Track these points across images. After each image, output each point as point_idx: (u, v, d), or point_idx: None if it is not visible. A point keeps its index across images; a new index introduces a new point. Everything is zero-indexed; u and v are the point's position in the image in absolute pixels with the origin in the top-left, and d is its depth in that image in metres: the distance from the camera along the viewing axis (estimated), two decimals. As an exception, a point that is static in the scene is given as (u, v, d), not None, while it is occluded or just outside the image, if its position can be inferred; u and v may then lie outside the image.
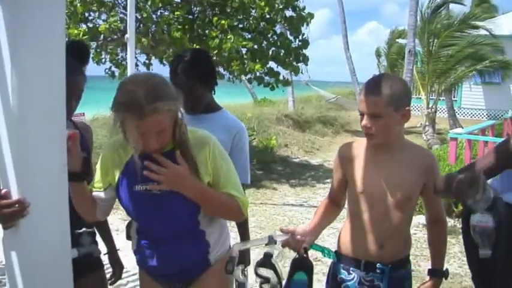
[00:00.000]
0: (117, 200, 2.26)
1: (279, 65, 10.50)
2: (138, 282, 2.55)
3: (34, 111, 1.63)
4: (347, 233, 2.53)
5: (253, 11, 10.23)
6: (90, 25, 10.05)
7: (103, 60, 10.91)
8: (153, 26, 9.85)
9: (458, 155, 9.38)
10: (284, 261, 2.38)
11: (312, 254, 2.53)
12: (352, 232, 2.50)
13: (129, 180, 2.16)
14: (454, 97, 20.96)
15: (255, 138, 12.97)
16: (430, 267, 2.56)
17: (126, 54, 7.73)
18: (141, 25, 9.71)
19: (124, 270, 2.93)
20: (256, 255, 2.38)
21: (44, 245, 1.72)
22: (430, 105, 16.29)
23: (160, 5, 9.67)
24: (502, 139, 2.76)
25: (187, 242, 2.22)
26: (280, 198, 9.05)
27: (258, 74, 10.30)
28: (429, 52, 16.09)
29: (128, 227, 2.67)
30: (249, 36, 10.15)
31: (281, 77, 10.75)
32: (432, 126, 15.92)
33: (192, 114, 2.76)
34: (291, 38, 10.67)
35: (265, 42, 10.30)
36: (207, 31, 9.86)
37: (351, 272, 2.47)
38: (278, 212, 8.05)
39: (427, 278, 2.55)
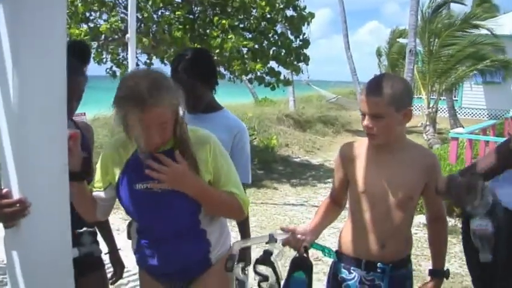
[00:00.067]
0: (117, 199, 2.25)
1: (279, 64, 10.51)
2: (138, 282, 2.55)
3: (35, 111, 1.62)
4: (348, 232, 2.53)
5: (254, 10, 10.24)
6: (91, 25, 10.06)
7: (104, 60, 10.92)
8: (154, 25, 9.86)
9: (459, 154, 9.38)
10: (284, 261, 2.38)
11: (313, 253, 2.53)
12: (353, 231, 2.50)
13: (129, 178, 2.16)
14: (454, 97, 20.95)
15: (255, 138, 12.97)
16: (430, 267, 2.56)
17: (127, 54, 7.73)
18: (142, 25, 9.71)
19: (125, 269, 2.94)
20: (256, 254, 2.38)
21: (44, 244, 1.72)
22: (430, 105, 16.28)
23: (161, 4, 9.67)
24: (503, 139, 2.77)
25: (188, 241, 2.22)
26: (281, 198, 9.05)
27: (258, 73, 10.31)
28: (430, 52, 16.08)
29: (129, 226, 2.68)
30: (250, 36, 10.15)
31: (282, 77, 10.74)
32: (433, 126, 15.91)
33: (193, 114, 2.77)
34: (292, 37, 10.68)
35: (266, 42, 10.31)
36: (207, 31, 9.87)
37: (352, 271, 2.47)
38: (279, 212, 8.05)
39: (428, 277, 2.56)
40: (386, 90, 2.27)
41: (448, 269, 2.54)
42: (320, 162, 12.86)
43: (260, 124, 15.25)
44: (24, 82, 1.59)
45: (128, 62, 7.33)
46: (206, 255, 2.28)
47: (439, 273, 2.52)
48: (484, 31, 16.23)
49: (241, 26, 10.25)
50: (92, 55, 9.25)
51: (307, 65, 11.02)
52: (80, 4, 9.60)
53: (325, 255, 2.60)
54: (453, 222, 6.46)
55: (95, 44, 10.12)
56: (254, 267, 2.28)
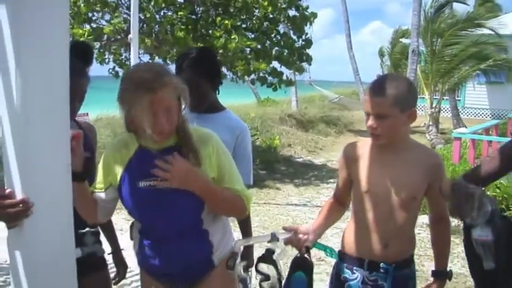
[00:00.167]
0: (120, 199, 2.25)
1: (282, 64, 10.51)
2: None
3: (38, 111, 1.63)
4: (351, 232, 2.53)
5: (257, 10, 10.25)
6: (94, 25, 10.07)
7: (106, 60, 10.94)
8: (157, 26, 9.86)
9: (462, 154, 9.37)
10: (286, 260, 2.38)
11: (315, 253, 2.53)
12: (356, 231, 2.50)
13: (132, 176, 2.16)
14: (457, 97, 20.92)
15: (258, 138, 12.97)
16: (433, 268, 2.56)
17: (129, 54, 7.73)
18: (145, 25, 9.72)
19: (128, 270, 2.94)
20: (259, 254, 2.38)
21: (47, 244, 1.72)
22: (433, 105, 16.28)
23: (163, 5, 9.68)
24: (506, 139, 2.78)
25: (190, 240, 2.21)
26: (283, 198, 9.05)
27: (261, 74, 10.31)
28: (433, 52, 16.07)
29: (132, 227, 2.68)
30: (252, 36, 10.15)
31: (284, 77, 10.74)
32: (436, 126, 15.91)
33: (195, 113, 2.77)
34: (294, 37, 10.68)
35: (268, 42, 10.31)
36: (210, 31, 9.87)
37: (355, 271, 2.47)
38: (281, 212, 8.05)
39: (431, 278, 2.55)
40: (391, 90, 2.27)
41: (451, 270, 2.53)
42: (322, 163, 12.86)
43: (262, 124, 15.25)
44: (27, 82, 1.59)
45: (130, 63, 7.34)
46: (209, 256, 2.27)
47: (442, 274, 2.51)
48: (486, 31, 16.21)
49: (244, 26, 10.26)
50: (95, 55, 9.28)
51: (310, 65, 11.04)
52: (82, 4, 9.61)
53: (327, 255, 2.60)
54: (456, 222, 6.43)
55: (97, 45, 10.14)
56: (256, 266, 2.29)
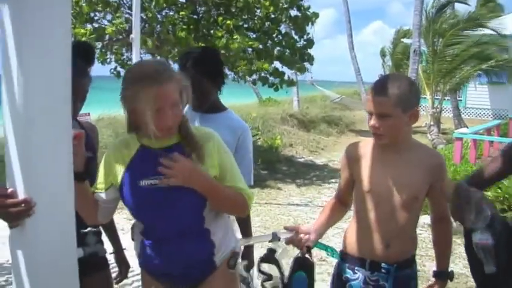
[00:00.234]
0: (121, 199, 2.25)
1: (283, 64, 10.50)
2: (142, 282, 2.55)
3: (40, 111, 1.63)
4: (353, 232, 2.53)
5: (258, 10, 10.25)
6: (96, 25, 10.07)
7: (108, 60, 10.95)
8: (158, 26, 9.86)
9: (463, 154, 9.37)
10: (288, 259, 2.38)
11: (317, 253, 2.54)
12: (358, 231, 2.50)
13: (134, 176, 2.15)
14: (459, 97, 20.90)
15: (259, 138, 12.97)
16: (435, 269, 2.55)
17: (131, 54, 7.74)
18: (146, 25, 9.72)
19: (130, 269, 2.94)
20: (260, 253, 2.38)
21: (49, 244, 1.72)
22: (435, 105, 16.26)
23: (164, 5, 9.68)
24: (508, 139, 2.78)
25: (191, 240, 2.21)
26: (285, 198, 9.04)
27: (262, 74, 10.32)
28: (434, 52, 16.06)
29: (133, 228, 2.68)
30: (254, 36, 10.15)
31: (286, 77, 10.73)
32: (437, 126, 15.90)
33: (198, 112, 2.78)
34: (296, 37, 10.67)
35: (270, 42, 10.30)
36: (212, 31, 9.87)
37: (356, 271, 2.47)
38: (283, 212, 8.05)
39: (432, 278, 2.55)
40: (393, 90, 2.27)
41: (452, 271, 2.53)
42: (324, 163, 12.86)
43: (264, 124, 15.25)
44: (29, 82, 1.59)
45: (132, 63, 7.35)
46: (210, 257, 2.26)
47: (443, 274, 2.52)
48: (488, 31, 16.19)
49: (245, 26, 10.26)
50: (96, 55, 9.31)
51: (312, 64, 11.03)
52: (84, 4, 9.62)
53: (328, 254, 2.61)
54: (458, 222, 6.44)
55: (99, 45, 10.14)
56: (258, 266, 2.29)
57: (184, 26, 9.69)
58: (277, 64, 10.48)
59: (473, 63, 16.43)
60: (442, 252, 2.56)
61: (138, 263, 2.38)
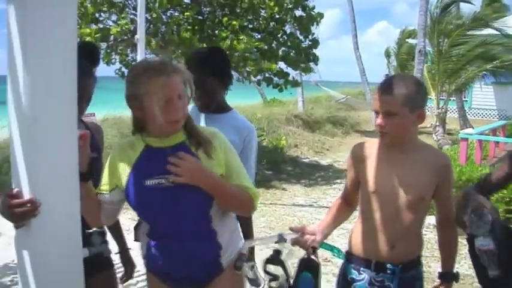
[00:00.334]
0: (126, 200, 2.25)
1: (288, 65, 10.50)
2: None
3: (45, 111, 1.63)
4: (358, 233, 2.52)
5: (263, 11, 10.25)
6: (101, 26, 10.09)
7: (113, 60, 10.98)
8: (163, 26, 9.87)
9: (468, 155, 9.33)
10: (293, 260, 2.38)
11: (322, 254, 2.53)
12: (363, 232, 2.50)
13: (139, 176, 2.15)
14: (464, 97, 20.85)
15: (264, 139, 12.97)
16: (440, 270, 2.55)
17: (136, 55, 7.74)
18: (151, 26, 9.73)
19: (135, 269, 2.94)
20: (265, 254, 2.38)
21: (55, 244, 1.72)
22: (440, 106, 16.23)
23: (168, 6, 9.68)
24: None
25: (197, 241, 2.19)
26: (289, 199, 9.04)
27: (267, 75, 10.32)
28: (439, 52, 16.01)
29: (136, 228, 2.67)
30: (259, 36, 10.15)
31: (290, 78, 10.73)
32: (442, 127, 15.86)
33: (205, 113, 2.79)
34: (301, 37, 10.67)
35: (275, 42, 10.30)
36: (216, 31, 9.87)
37: (361, 272, 2.46)
38: (288, 213, 8.04)
39: (437, 279, 2.55)
40: (401, 90, 2.27)
41: (457, 272, 2.53)
42: (329, 163, 12.85)
43: (269, 125, 15.25)
44: (34, 82, 1.59)
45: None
46: (216, 259, 2.25)
47: (448, 275, 2.51)
48: (493, 31, 16.14)
49: (250, 26, 10.26)
50: (101, 56, 9.32)
51: (317, 64, 11.03)
52: (89, 5, 9.64)
53: (334, 255, 2.60)
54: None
55: (104, 45, 10.16)
56: (264, 267, 2.28)
57: (189, 27, 9.70)
58: (281, 65, 10.49)
59: (478, 63, 16.38)
60: (448, 253, 2.55)
61: (144, 264, 2.38)
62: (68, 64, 1.67)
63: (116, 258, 2.78)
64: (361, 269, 2.47)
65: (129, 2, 10.16)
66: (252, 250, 2.86)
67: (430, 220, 5.56)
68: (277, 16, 10.29)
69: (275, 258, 2.28)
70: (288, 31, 10.83)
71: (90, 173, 2.12)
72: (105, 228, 2.64)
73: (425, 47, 14.35)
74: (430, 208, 2.51)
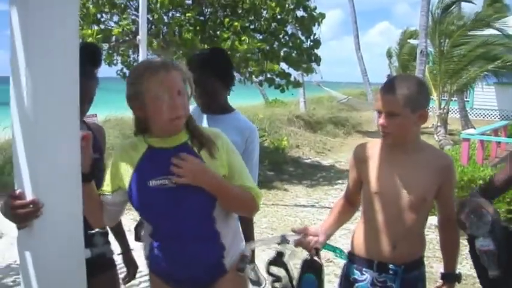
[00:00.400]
0: (129, 201, 2.25)
1: (290, 66, 10.50)
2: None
3: (48, 112, 1.63)
4: (361, 233, 2.52)
5: (264, 11, 10.24)
6: (102, 27, 10.10)
7: (115, 61, 10.99)
8: (165, 27, 9.88)
9: (470, 155, 9.33)
10: (296, 261, 2.38)
11: (324, 255, 2.53)
12: (365, 232, 2.50)
13: (142, 176, 2.14)
14: (466, 97, 20.83)
15: (266, 139, 12.96)
16: (442, 271, 2.55)
17: (137, 55, 7.75)
18: (153, 26, 9.74)
19: (137, 270, 2.94)
20: (267, 255, 2.38)
21: (57, 245, 1.72)
22: (442, 106, 16.22)
23: (170, 6, 9.69)
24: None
25: (200, 242, 2.19)
26: (291, 199, 9.04)
27: (269, 75, 10.32)
28: (441, 52, 16.01)
29: (137, 228, 2.67)
30: (261, 37, 10.15)
31: (292, 78, 10.73)
32: (444, 127, 15.85)
33: (206, 113, 2.79)
34: (303, 38, 10.67)
35: (276, 43, 10.30)
36: (218, 32, 9.87)
37: (364, 272, 2.46)
38: (290, 213, 8.04)
39: (439, 280, 2.54)
40: (403, 90, 2.27)
41: (460, 273, 2.52)
42: (331, 164, 12.85)
43: (271, 125, 15.25)
44: (37, 83, 1.59)
45: (138, 64, 7.34)
46: (220, 260, 2.25)
47: (450, 276, 2.51)
48: (495, 31, 16.12)
49: (252, 27, 10.26)
50: (103, 57, 9.33)
51: (319, 65, 11.02)
52: (91, 6, 9.65)
53: (336, 256, 2.60)
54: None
55: (105, 46, 10.18)
56: (267, 269, 2.28)
57: (190, 28, 9.69)
58: (283, 65, 10.49)
59: (480, 63, 16.37)
60: (450, 254, 2.55)
61: (147, 265, 2.38)
62: (70, 64, 1.67)
63: (118, 259, 2.78)
64: (364, 269, 2.47)
65: (131, 3, 10.17)
66: (252, 251, 2.86)
67: (432, 220, 5.56)
68: (279, 17, 10.28)
69: (278, 260, 2.28)
70: (290, 32, 10.83)
71: (92, 173, 2.12)
72: (108, 228, 2.64)
73: (426, 48, 14.35)
74: (432, 208, 2.51)
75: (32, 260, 1.70)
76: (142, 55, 6.14)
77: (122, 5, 10.03)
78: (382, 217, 2.41)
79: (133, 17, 9.91)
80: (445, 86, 16.54)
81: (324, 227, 2.55)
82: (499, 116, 22.15)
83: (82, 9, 9.33)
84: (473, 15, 16.17)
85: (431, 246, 5.72)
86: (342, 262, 2.63)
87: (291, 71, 10.73)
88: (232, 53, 9.18)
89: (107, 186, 2.23)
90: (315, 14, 10.49)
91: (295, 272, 2.33)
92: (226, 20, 9.74)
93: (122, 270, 2.86)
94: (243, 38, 9.29)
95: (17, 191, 1.69)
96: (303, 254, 2.43)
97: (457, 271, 2.53)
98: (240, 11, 10.16)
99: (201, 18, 10.16)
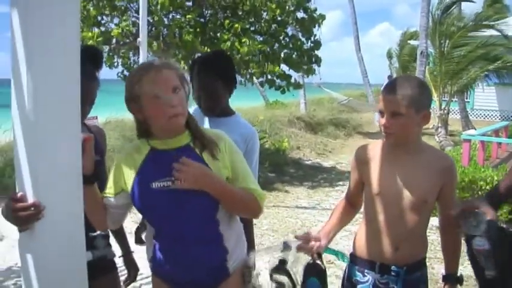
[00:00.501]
0: (132, 203, 2.24)
1: (290, 67, 10.51)
2: (151, 286, 2.54)
3: (49, 114, 1.63)
4: (362, 235, 2.52)
5: (265, 13, 10.25)
6: (103, 29, 10.11)
7: (115, 63, 10.99)
8: (165, 29, 9.89)
9: (471, 156, 9.33)
10: (297, 267, 2.37)
11: (325, 256, 2.53)
12: (367, 234, 2.50)
13: (145, 178, 2.14)
14: (466, 98, 20.83)
15: (267, 141, 12.96)
16: (444, 273, 2.54)
17: (138, 57, 7.75)
18: (153, 28, 9.74)
19: (138, 272, 2.94)
20: (269, 261, 2.38)
21: (58, 247, 1.72)
22: (442, 107, 16.21)
23: (170, 8, 9.69)
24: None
25: (203, 245, 2.19)
26: (292, 201, 9.03)
27: (269, 77, 10.32)
28: (441, 53, 16.00)
29: (137, 232, 2.66)
30: (261, 39, 10.16)
31: (292, 80, 10.73)
32: (445, 128, 15.85)
33: (210, 116, 2.79)
34: (303, 39, 10.67)
35: (277, 45, 10.31)
36: (218, 34, 9.88)
37: (366, 274, 2.46)
38: (291, 215, 8.03)
39: (441, 281, 2.54)
40: (406, 90, 2.27)
41: (461, 275, 2.52)
42: (332, 165, 12.84)
43: (271, 127, 15.25)
44: (38, 85, 1.59)
45: (139, 66, 7.34)
46: (223, 263, 2.24)
47: (452, 278, 2.50)
48: (495, 32, 16.12)
49: (252, 29, 10.27)
50: (104, 59, 9.33)
51: (319, 66, 11.03)
52: (92, 8, 9.66)
53: (339, 259, 2.60)
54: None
55: (106, 48, 10.18)
56: (270, 276, 2.28)
57: (191, 30, 9.69)
58: (283, 67, 10.49)
59: (480, 64, 16.36)
60: (451, 255, 2.54)
61: (150, 268, 2.37)
62: (70, 63, 1.67)
63: (119, 261, 2.78)
64: (366, 271, 2.47)
65: (131, 5, 10.17)
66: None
67: (433, 222, 5.56)
68: (279, 18, 10.30)
69: (280, 268, 2.28)
70: (290, 33, 10.85)
71: (95, 176, 2.12)
72: (109, 231, 2.64)
73: (427, 49, 14.35)
74: (433, 210, 2.51)
75: (33, 263, 1.70)
76: (143, 57, 6.14)
77: (122, 7, 10.03)
78: (384, 218, 2.40)
79: (133, 19, 9.92)
80: (446, 87, 16.53)
81: (325, 229, 2.55)
82: (499, 117, 22.14)
83: (82, 11, 9.34)
84: (473, 15, 16.16)
85: (433, 247, 5.71)
86: (343, 264, 2.63)
87: (291, 72, 10.74)
88: (232, 53, 9.18)
89: (110, 188, 2.23)
90: (315, 15, 10.52)
91: (299, 277, 2.33)
92: (227, 21, 9.76)
93: (122, 273, 2.85)
94: (243, 40, 9.30)
95: (18, 194, 1.68)
96: (306, 259, 2.42)
97: (459, 272, 2.53)
98: (240, 13, 10.17)
99: (201, 20, 10.17)
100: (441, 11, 16.00)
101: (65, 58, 1.65)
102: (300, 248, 2.38)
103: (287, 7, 10.16)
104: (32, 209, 1.65)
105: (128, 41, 9.92)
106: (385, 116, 2.31)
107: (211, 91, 2.77)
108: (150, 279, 2.53)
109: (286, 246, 2.33)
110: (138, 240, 3.17)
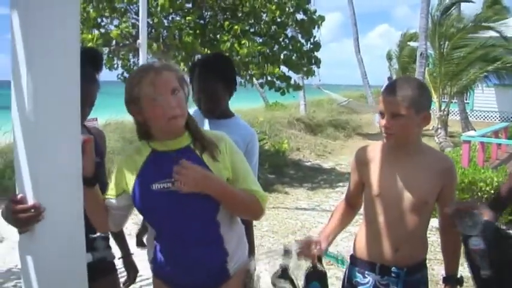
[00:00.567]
0: (133, 204, 2.24)
1: (290, 69, 10.51)
2: (151, 287, 2.54)
3: (49, 115, 1.63)
4: (362, 236, 2.52)
5: (264, 15, 10.25)
6: (103, 31, 10.11)
7: (115, 65, 10.98)
8: (165, 31, 9.89)
9: (471, 157, 9.33)
10: (298, 272, 2.38)
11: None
12: (367, 235, 2.50)
13: (146, 180, 2.14)
14: (466, 99, 20.84)
15: (266, 142, 12.96)
16: (444, 274, 2.54)
17: (138, 59, 7.75)
18: (153, 30, 9.75)
19: (137, 274, 2.93)
20: (269, 263, 2.38)
21: (59, 249, 1.72)
22: (442, 108, 16.21)
23: (170, 10, 9.70)
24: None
25: (203, 247, 2.18)
26: (292, 202, 9.03)
27: (269, 78, 10.33)
28: (441, 54, 16.00)
29: (139, 235, 2.66)
30: (261, 40, 10.16)
31: (292, 82, 10.74)
32: (444, 129, 15.85)
33: (208, 118, 2.79)
34: (303, 41, 10.68)
35: (276, 46, 10.31)
36: (218, 36, 9.88)
37: (366, 275, 2.46)
38: (290, 216, 8.03)
39: (441, 282, 2.54)
40: (406, 91, 2.27)
41: (461, 276, 2.51)
42: (331, 166, 12.84)
43: (271, 128, 15.25)
44: (38, 87, 1.59)
45: (139, 68, 7.34)
46: (223, 265, 2.24)
47: (452, 279, 2.50)
48: (494, 33, 16.13)
49: (252, 30, 10.27)
50: (104, 61, 9.34)
51: (319, 67, 11.04)
52: (91, 10, 9.66)
53: (339, 264, 2.60)
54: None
55: (106, 50, 10.18)
56: (273, 282, 2.28)
57: (190, 31, 9.70)
58: (283, 68, 10.49)
59: (480, 65, 16.37)
60: (451, 256, 2.54)
61: (151, 268, 2.36)
62: (70, 64, 1.68)
63: (118, 263, 2.78)
64: (366, 272, 2.47)
65: (131, 7, 10.17)
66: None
67: (433, 223, 5.55)
68: (279, 20, 10.29)
69: (283, 275, 2.28)
70: (290, 35, 10.85)
71: (96, 177, 2.12)
72: (109, 233, 2.64)
73: (426, 50, 14.37)
74: (433, 211, 2.51)
75: (33, 264, 1.70)
76: (143, 59, 6.14)
77: (122, 9, 10.03)
78: (384, 220, 2.41)
79: (133, 20, 9.92)
80: (445, 88, 16.53)
81: (326, 232, 2.55)
82: (499, 118, 22.15)
83: (82, 13, 9.33)
84: (472, 17, 16.17)
85: (433, 248, 5.69)
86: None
87: (291, 74, 10.74)
88: (232, 55, 9.19)
89: (111, 190, 2.23)
90: (314, 16, 10.52)
91: (300, 282, 2.33)
92: (226, 23, 9.76)
93: (122, 275, 2.85)
94: (243, 42, 9.30)
95: (18, 196, 1.69)
96: (308, 263, 2.42)
97: (459, 273, 2.53)
98: (240, 15, 10.17)
99: (201, 21, 10.18)
100: (441, 12, 16.01)
101: (65, 60, 1.65)
102: (301, 254, 2.38)
103: (287, 9, 10.17)
104: (32, 210, 1.65)
105: (127, 42, 9.92)
106: (386, 117, 2.31)
107: (211, 93, 2.78)
108: (149, 281, 2.54)
109: (286, 252, 2.33)
110: (140, 243, 3.17)
